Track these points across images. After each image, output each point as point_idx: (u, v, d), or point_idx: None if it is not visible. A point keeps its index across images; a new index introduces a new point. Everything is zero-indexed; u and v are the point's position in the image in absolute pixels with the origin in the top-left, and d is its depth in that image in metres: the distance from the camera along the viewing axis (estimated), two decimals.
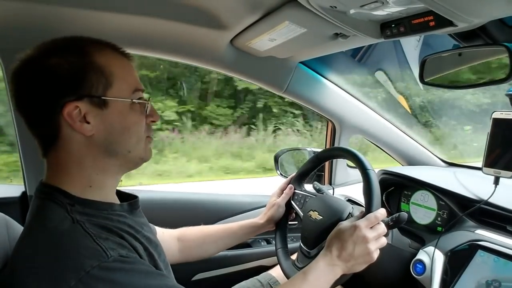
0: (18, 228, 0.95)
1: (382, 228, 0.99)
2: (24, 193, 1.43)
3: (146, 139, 0.90)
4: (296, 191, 1.36)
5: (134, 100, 0.84)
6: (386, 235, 1.02)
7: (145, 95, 0.90)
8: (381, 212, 0.99)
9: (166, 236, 1.24)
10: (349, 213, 1.14)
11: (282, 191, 1.38)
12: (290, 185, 1.37)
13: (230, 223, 1.36)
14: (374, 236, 0.96)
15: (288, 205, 1.35)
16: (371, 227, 0.97)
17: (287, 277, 1.20)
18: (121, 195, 0.95)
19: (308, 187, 1.42)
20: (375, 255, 0.96)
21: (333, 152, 1.30)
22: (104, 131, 0.81)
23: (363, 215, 1.01)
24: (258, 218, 1.35)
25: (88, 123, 0.79)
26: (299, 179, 1.38)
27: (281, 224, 1.35)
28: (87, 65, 0.78)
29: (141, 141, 0.88)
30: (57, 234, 0.72)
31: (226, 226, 1.35)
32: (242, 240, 1.36)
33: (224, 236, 1.32)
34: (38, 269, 0.70)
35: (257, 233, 1.35)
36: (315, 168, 1.37)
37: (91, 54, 0.79)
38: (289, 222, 1.36)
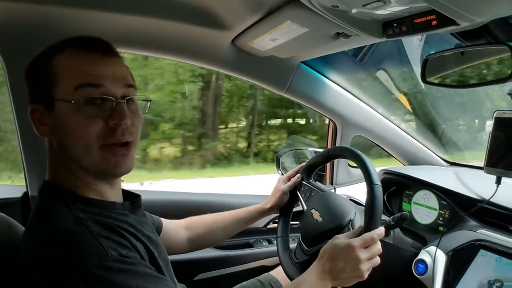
0: (20, 229, 0.95)
1: (377, 248, 0.97)
2: (25, 194, 1.43)
3: (104, 147, 0.79)
4: (303, 182, 1.35)
5: (77, 100, 0.76)
6: (387, 235, 1.02)
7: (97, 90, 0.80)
8: (378, 233, 0.97)
9: (173, 226, 1.25)
10: (350, 220, 1.13)
11: (289, 178, 1.38)
12: (298, 174, 1.37)
13: (237, 209, 1.37)
14: (367, 256, 0.94)
15: (294, 194, 1.35)
16: (366, 247, 0.95)
17: (283, 267, 1.21)
18: (123, 193, 0.95)
19: None
20: (366, 275, 0.95)
21: (345, 153, 1.27)
22: (57, 134, 0.81)
23: (360, 231, 1.00)
24: (263, 203, 1.36)
25: (45, 125, 0.81)
26: (308, 171, 1.37)
27: (284, 213, 1.35)
28: (44, 68, 0.80)
29: (91, 149, 0.78)
30: (60, 231, 0.73)
31: (233, 212, 1.36)
32: (249, 225, 1.37)
33: (232, 222, 1.33)
34: (41, 266, 0.71)
35: (262, 217, 1.38)
36: (324, 163, 1.38)
37: (51, 57, 0.80)
38: (291, 222, 1.36)
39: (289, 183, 1.36)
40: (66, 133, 0.78)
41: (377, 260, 0.97)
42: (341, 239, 0.98)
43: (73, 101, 0.76)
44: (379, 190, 1.04)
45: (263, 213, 1.35)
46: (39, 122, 0.81)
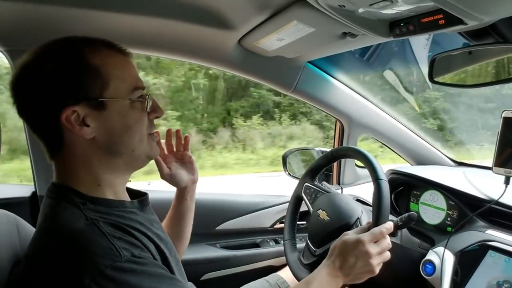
0: (29, 228, 0.96)
1: (387, 242, 0.97)
2: (34, 193, 1.45)
3: (149, 136, 0.89)
4: (308, 184, 1.34)
5: (132, 99, 0.83)
6: (395, 235, 1.01)
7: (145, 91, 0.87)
8: (387, 227, 0.98)
9: None
10: (357, 217, 1.13)
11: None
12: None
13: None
14: (377, 251, 0.95)
15: (299, 198, 1.35)
16: (375, 242, 0.96)
17: (291, 269, 1.21)
18: (130, 192, 0.95)
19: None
20: (377, 269, 0.95)
21: (348, 152, 1.28)
22: (105, 132, 0.81)
23: (369, 227, 1.00)
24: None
25: (87, 126, 0.78)
26: (312, 173, 1.36)
27: (291, 216, 1.35)
28: (82, 67, 0.77)
29: (144, 139, 0.87)
30: (72, 232, 0.72)
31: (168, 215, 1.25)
32: (180, 210, 1.24)
33: (168, 219, 1.23)
34: (53, 267, 0.71)
35: (185, 196, 1.25)
36: (329, 164, 1.36)
37: (85, 56, 0.78)
38: (298, 222, 1.36)
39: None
40: (124, 129, 0.83)
41: (387, 254, 0.98)
42: (350, 235, 0.99)
43: (129, 99, 0.83)
44: (385, 185, 1.04)
45: (180, 194, 1.23)
46: (81, 123, 0.78)
